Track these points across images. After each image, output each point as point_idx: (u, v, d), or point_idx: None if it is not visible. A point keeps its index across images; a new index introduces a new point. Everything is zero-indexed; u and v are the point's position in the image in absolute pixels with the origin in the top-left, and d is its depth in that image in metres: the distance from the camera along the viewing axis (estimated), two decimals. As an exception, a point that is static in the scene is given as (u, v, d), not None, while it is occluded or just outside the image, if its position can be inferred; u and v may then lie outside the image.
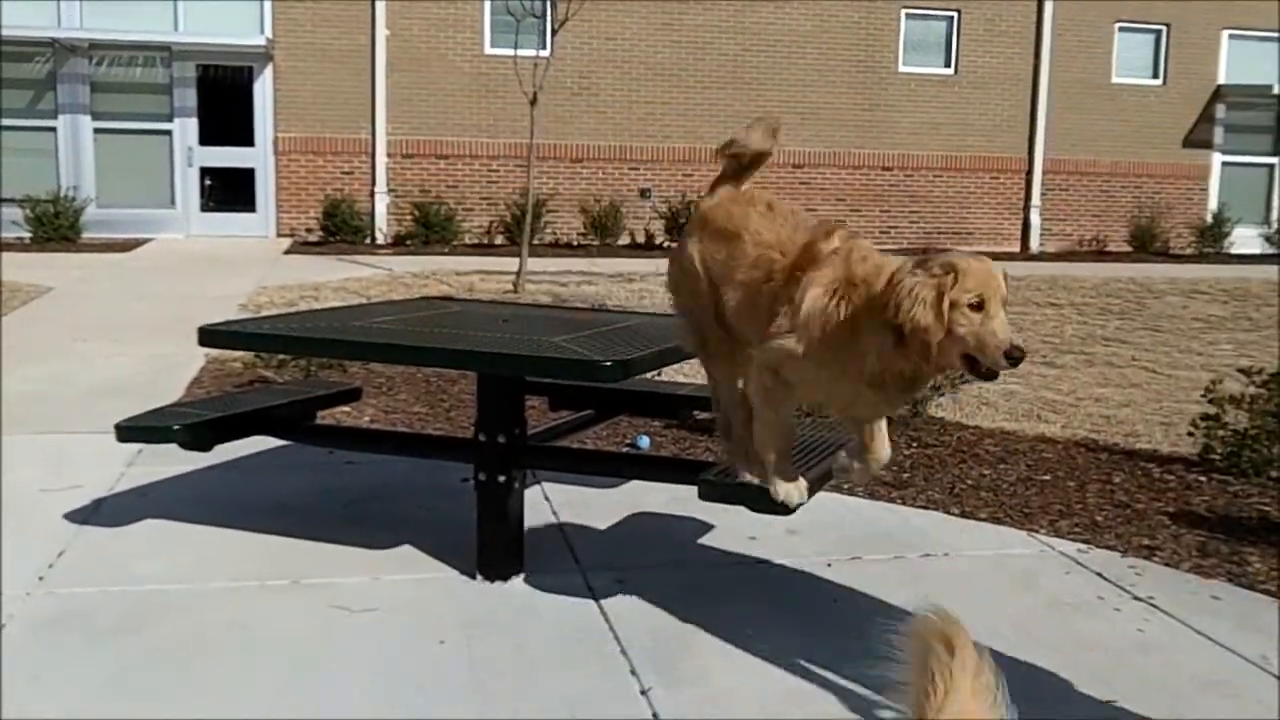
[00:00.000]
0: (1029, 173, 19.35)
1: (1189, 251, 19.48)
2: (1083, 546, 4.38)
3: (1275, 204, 20.74)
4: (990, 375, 2.79)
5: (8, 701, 2.98)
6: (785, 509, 3.25)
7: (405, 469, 5.05)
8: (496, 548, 3.88)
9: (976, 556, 4.26)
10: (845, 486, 5.00)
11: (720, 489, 3.40)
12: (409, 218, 16.85)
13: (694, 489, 3.43)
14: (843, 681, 3.22)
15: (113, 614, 3.54)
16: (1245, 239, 19.74)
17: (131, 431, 4.20)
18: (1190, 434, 5.63)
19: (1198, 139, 20.12)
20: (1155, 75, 19.82)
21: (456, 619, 3.56)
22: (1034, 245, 19.29)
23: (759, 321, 3.08)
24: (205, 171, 17.04)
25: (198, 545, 4.17)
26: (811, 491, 3.40)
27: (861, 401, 3.02)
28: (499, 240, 17.11)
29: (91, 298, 10.76)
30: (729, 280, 3.20)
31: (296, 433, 4.58)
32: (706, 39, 18.03)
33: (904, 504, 4.86)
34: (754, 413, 3.20)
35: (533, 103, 11.77)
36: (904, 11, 18.69)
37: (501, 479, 3.82)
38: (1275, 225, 20.29)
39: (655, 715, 3.00)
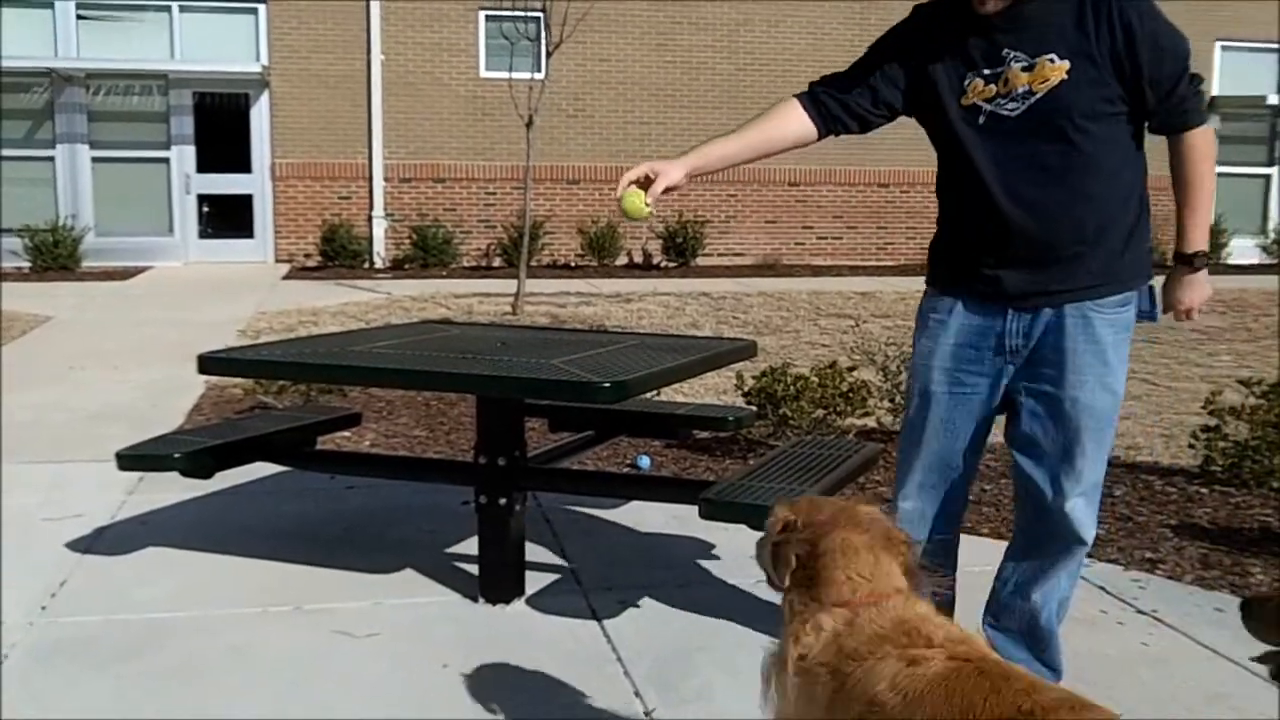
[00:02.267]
0: (1025, 187, 19.37)
1: (1186, 263, 19.48)
2: (1085, 561, 4.36)
3: (1272, 214, 20.77)
4: None
5: (11, 732, 2.98)
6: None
7: (406, 493, 5.05)
8: (498, 570, 3.88)
9: (979, 572, 4.24)
10: (846, 503, 5.00)
11: (721, 508, 3.40)
12: (407, 241, 16.88)
13: (694, 508, 3.44)
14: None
15: (116, 641, 3.54)
16: (1242, 249, 19.75)
17: (132, 460, 4.21)
18: (1191, 446, 5.63)
19: (1192, 151, 20.16)
20: (1149, 88, 19.87)
21: (459, 642, 3.56)
22: (1031, 259, 19.29)
23: None
24: (203, 198, 17.07)
25: (200, 572, 4.17)
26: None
27: None
28: (497, 262, 17.13)
29: (91, 326, 10.77)
30: None
31: (297, 459, 4.58)
32: (700, 59, 18.09)
33: (905, 520, 4.85)
34: None
35: (528, 125, 11.81)
36: (897, 29, 18.75)
37: (502, 501, 3.82)
38: (1272, 235, 20.31)
39: (659, 736, 3.00)
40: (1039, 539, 3.17)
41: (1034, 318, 2.95)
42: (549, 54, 12.39)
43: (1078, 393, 2.95)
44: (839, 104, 3.10)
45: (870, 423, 6.28)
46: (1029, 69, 2.83)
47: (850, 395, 5.85)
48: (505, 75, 13.31)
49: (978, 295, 3.01)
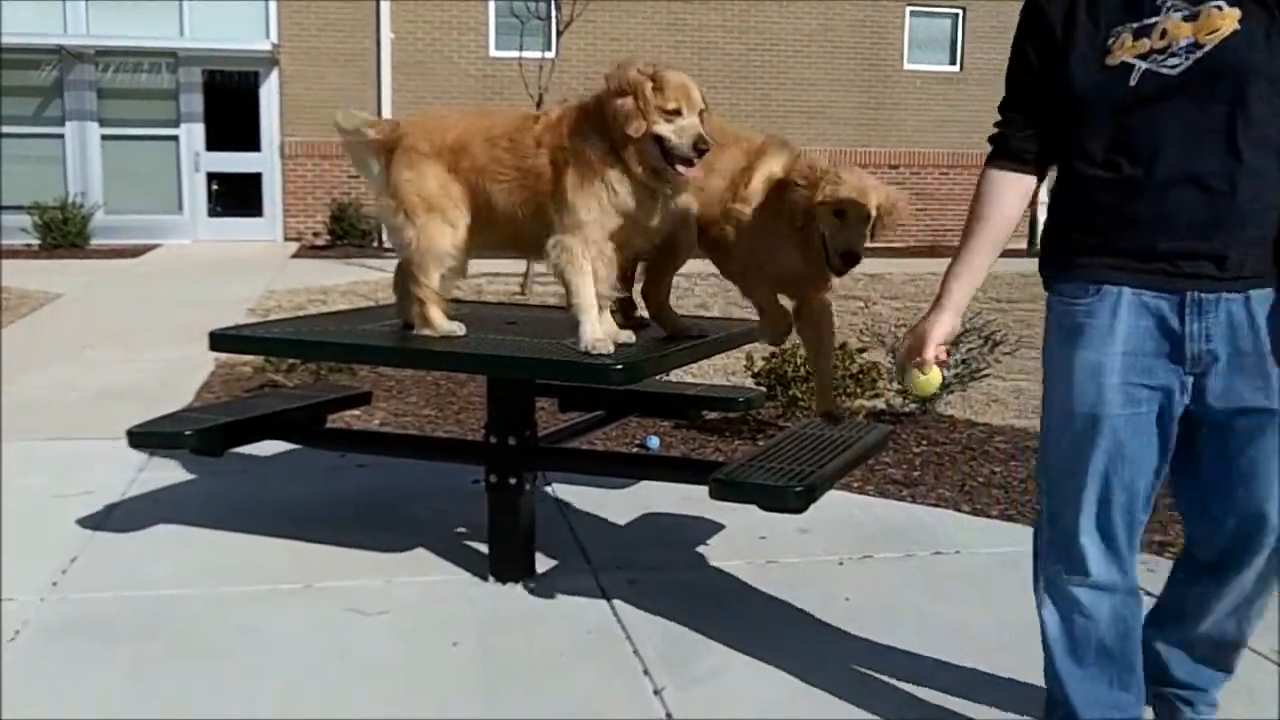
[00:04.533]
0: (1036, 169, 19.30)
1: (1197, 246, 19.41)
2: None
3: None
4: (685, 161, 3.41)
5: (24, 706, 3.00)
6: (798, 509, 3.25)
7: (416, 472, 5.06)
8: (508, 549, 3.89)
9: (988, 554, 4.26)
10: (855, 485, 5.01)
11: (731, 488, 3.40)
12: (416, 221, 16.86)
13: (704, 489, 3.44)
14: (855, 680, 3.22)
15: (127, 619, 3.55)
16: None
17: (143, 437, 4.22)
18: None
19: (1204, 133, 20.06)
20: (1161, 70, 19.77)
21: (469, 621, 3.57)
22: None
23: None
24: (212, 176, 17.08)
25: (210, 550, 4.18)
26: (823, 489, 3.41)
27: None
28: (506, 242, 17.11)
29: (100, 304, 10.79)
30: None
31: (307, 437, 4.59)
32: (711, 39, 18.02)
33: (915, 502, 4.86)
34: None
35: (538, 105, 11.79)
36: (909, 9, 18.67)
37: (512, 481, 3.83)
38: None
39: (669, 715, 3.01)
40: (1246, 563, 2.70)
41: (1215, 314, 2.47)
42: (559, 33, 12.35)
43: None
44: (1038, 141, 2.72)
45: (880, 404, 6.28)
46: (1192, 18, 2.42)
47: (860, 377, 5.85)
48: (515, 54, 13.26)
49: (1144, 284, 2.51)
